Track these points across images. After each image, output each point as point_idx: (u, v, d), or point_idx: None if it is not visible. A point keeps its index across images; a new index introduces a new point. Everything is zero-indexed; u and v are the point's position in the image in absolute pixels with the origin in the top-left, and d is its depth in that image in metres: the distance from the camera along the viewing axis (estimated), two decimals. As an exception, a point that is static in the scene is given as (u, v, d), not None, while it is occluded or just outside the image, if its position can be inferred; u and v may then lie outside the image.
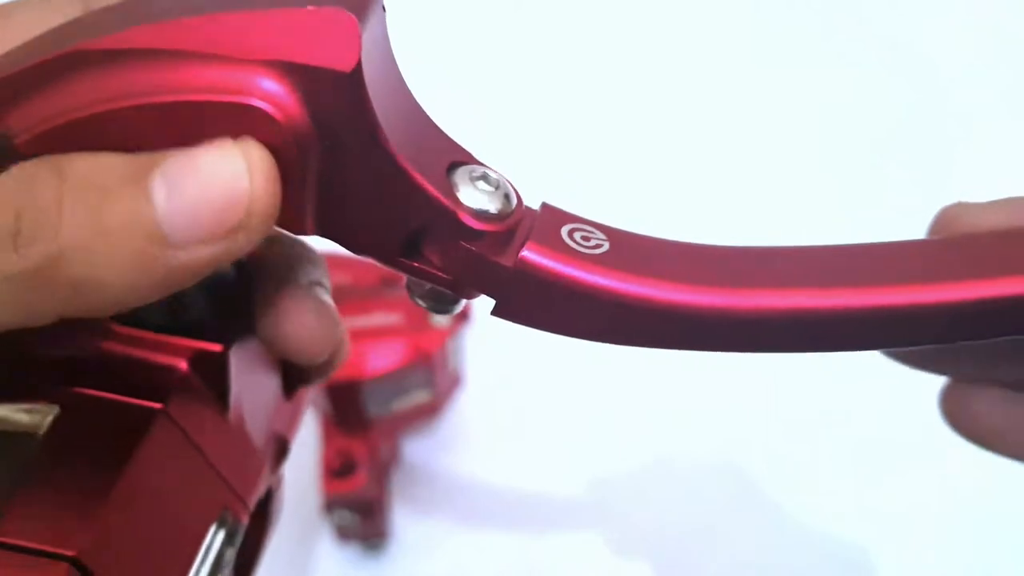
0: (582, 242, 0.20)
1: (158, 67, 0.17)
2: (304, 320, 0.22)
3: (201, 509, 0.21)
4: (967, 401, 0.26)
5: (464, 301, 0.21)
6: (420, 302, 0.21)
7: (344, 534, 0.45)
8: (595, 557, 0.45)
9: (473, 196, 0.19)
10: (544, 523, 0.46)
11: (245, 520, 0.22)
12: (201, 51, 0.17)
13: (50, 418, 0.19)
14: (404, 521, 0.46)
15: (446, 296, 0.21)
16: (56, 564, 0.17)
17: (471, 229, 0.19)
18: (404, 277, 0.21)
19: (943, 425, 0.26)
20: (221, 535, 0.21)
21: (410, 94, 0.19)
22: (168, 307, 0.21)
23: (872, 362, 0.26)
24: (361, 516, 0.43)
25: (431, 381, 0.44)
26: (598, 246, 0.20)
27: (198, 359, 0.21)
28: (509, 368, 0.49)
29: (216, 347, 0.21)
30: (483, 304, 0.20)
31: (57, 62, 0.17)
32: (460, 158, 0.20)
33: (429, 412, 0.46)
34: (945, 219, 0.24)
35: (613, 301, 0.19)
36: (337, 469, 0.42)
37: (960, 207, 0.24)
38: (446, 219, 0.19)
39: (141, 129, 0.17)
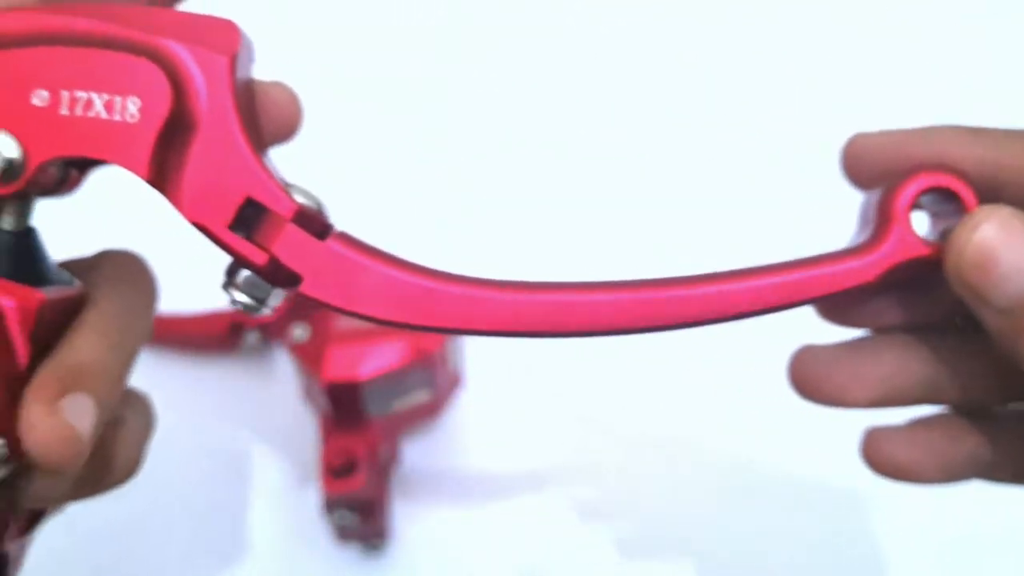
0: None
1: (91, 23, 0.23)
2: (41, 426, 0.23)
3: None
4: (880, 445, 0.29)
5: (275, 294, 0.24)
6: (235, 293, 0.24)
7: (344, 534, 0.45)
8: (595, 557, 0.45)
9: (300, 193, 0.24)
10: (544, 523, 0.46)
11: None
12: (121, 23, 0.23)
13: None
14: (404, 521, 0.46)
15: (260, 285, 0.24)
16: None
17: (299, 211, 0.23)
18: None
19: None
20: (2, 449, 0.23)
21: (258, 121, 0.25)
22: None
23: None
24: (361, 516, 0.43)
25: (431, 381, 0.44)
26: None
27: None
28: (509, 368, 0.49)
29: (39, 295, 0.23)
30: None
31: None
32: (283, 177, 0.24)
33: (429, 412, 0.46)
34: (850, 151, 0.28)
35: (403, 284, 0.24)
36: (337, 469, 0.42)
37: (859, 137, 0.28)
38: (277, 198, 0.23)
39: (49, 64, 0.23)
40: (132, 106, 0.23)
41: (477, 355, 0.48)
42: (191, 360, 0.51)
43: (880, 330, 0.29)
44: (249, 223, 0.23)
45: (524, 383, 0.49)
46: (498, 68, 0.61)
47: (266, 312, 0.24)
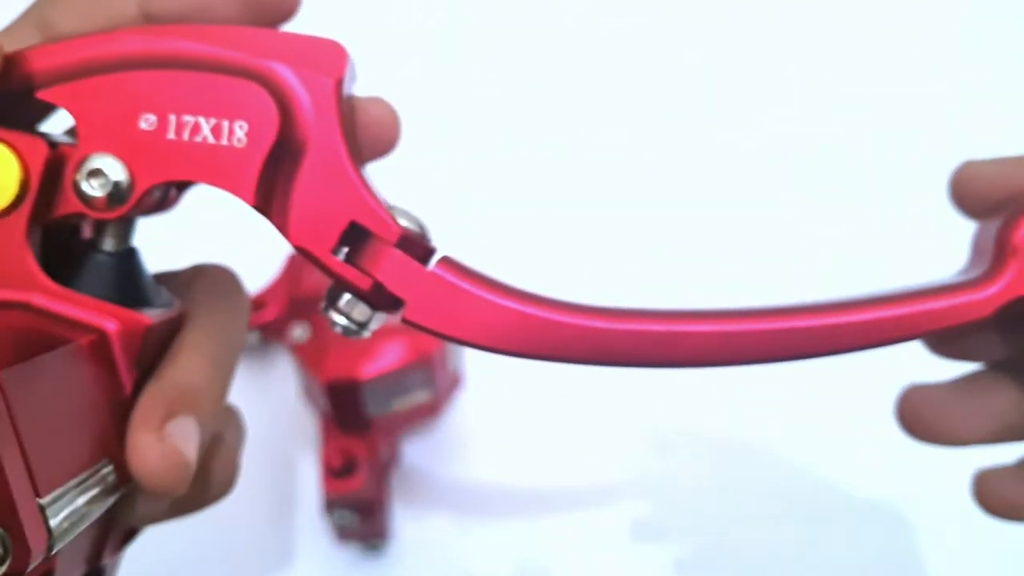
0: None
1: (193, 46, 0.23)
2: (149, 455, 0.22)
3: (95, 436, 0.22)
4: (992, 485, 0.28)
5: (376, 318, 0.24)
6: (335, 316, 0.24)
7: (344, 534, 0.45)
8: (595, 557, 0.45)
9: (403, 216, 0.23)
10: (544, 523, 0.46)
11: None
12: (227, 45, 0.23)
13: None
14: (404, 521, 0.46)
15: (361, 309, 0.23)
16: None
17: (403, 236, 0.23)
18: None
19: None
20: (111, 476, 0.22)
21: (358, 138, 0.24)
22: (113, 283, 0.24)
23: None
24: (361, 516, 0.43)
25: (431, 381, 0.44)
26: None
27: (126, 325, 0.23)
28: (509, 368, 0.49)
29: (145, 319, 0.23)
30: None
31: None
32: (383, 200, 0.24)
33: (429, 412, 0.46)
34: (959, 180, 0.27)
35: (509, 312, 0.23)
36: (337, 469, 0.42)
37: (969, 165, 0.27)
38: (382, 223, 0.23)
39: (156, 88, 0.23)
40: (239, 130, 0.23)
41: (477, 355, 0.48)
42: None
43: (992, 364, 0.28)
44: (352, 246, 0.23)
45: (524, 383, 0.49)
46: (498, 68, 0.61)
47: (366, 335, 0.24)
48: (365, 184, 0.23)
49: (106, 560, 0.24)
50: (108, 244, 0.24)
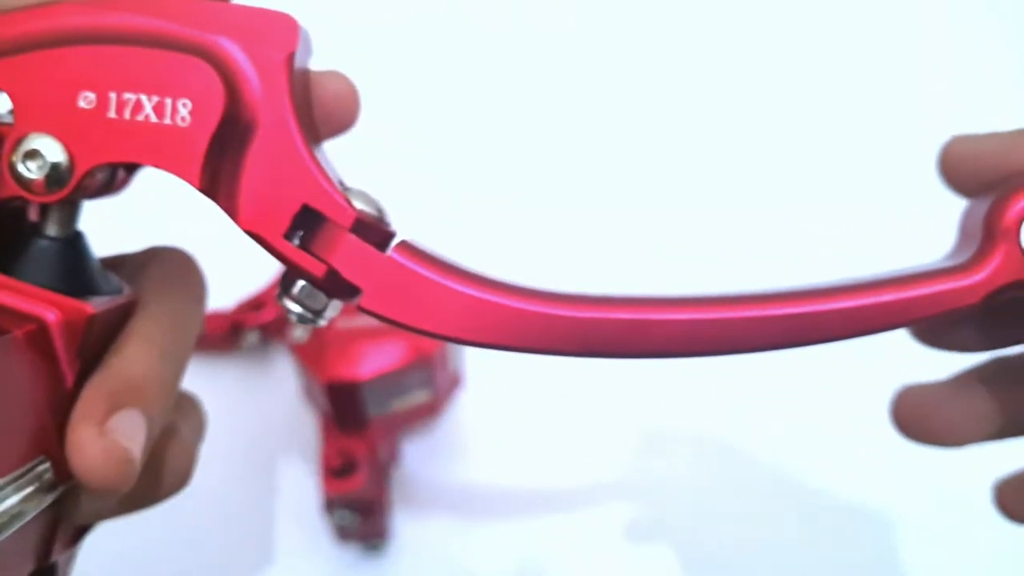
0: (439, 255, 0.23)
1: (135, 21, 0.22)
2: (88, 450, 0.21)
3: (32, 431, 0.21)
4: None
5: (332, 306, 0.23)
6: (289, 304, 0.23)
7: (344, 534, 0.45)
8: (595, 556, 0.45)
9: (359, 199, 0.22)
10: (544, 523, 0.46)
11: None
12: (170, 19, 0.22)
13: None
14: (404, 521, 0.46)
15: (316, 296, 0.22)
16: None
17: (359, 219, 0.22)
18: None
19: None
20: (47, 473, 0.21)
21: (313, 116, 0.23)
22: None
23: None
24: (361, 516, 0.43)
25: (431, 381, 0.44)
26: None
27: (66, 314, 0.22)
28: (509, 368, 0.49)
29: (87, 308, 0.22)
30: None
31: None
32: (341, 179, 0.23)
33: (429, 412, 0.46)
34: (948, 156, 0.25)
35: (468, 299, 0.22)
36: (337, 469, 0.42)
37: (958, 140, 0.25)
38: (335, 206, 0.22)
39: (95, 64, 0.21)
40: (183, 109, 0.22)
41: (477, 355, 0.48)
42: (191, 360, 0.51)
43: (991, 361, 0.27)
44: (305, 231, 0.22)
45: (524, 383, 0.49)
46: (490, 56, 0.61)
47: (322, 323, 0.23)
48: (318, 165, 0.22)
49: (56, 556, 0.23)
50: (51, 229, 0.23)
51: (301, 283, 0.22)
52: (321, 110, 0.23)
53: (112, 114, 0.22)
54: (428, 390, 0.45)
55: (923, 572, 0.44)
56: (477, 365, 0.49)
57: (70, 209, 0.23)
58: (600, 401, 0.49)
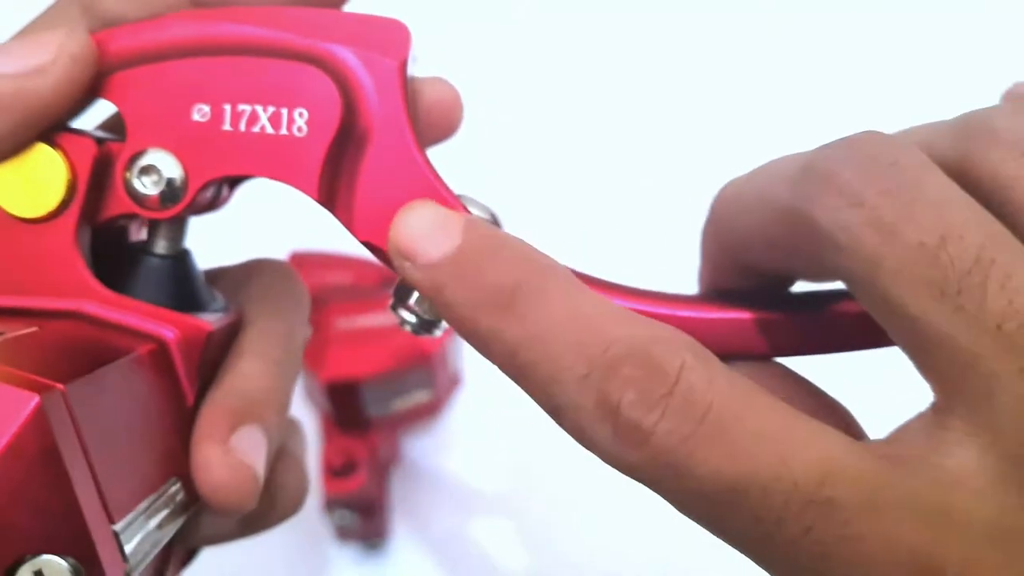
0: None
1: (255, 30, 0.21)
2: (216, 470, 0.21)
3: (161, 453, 0.21)
4: None
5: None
6: (404, 315, 0.22)
7: (344, 534, 0.45)
8: (595, 556, 0.45)
9: (473, 205, 0.21)
10: (544, 523, 0.46)
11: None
12: (283, 28, 0.21)
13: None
14: (404, 521, 0.46)
15: (431, 307, 0.21)
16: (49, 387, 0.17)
17: None
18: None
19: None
20: (179, 494, 0.21)
21: (420, 123, 0.22)
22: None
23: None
24: (361, 516, 0.43)
25: (431, 381, 0.44)
26: None
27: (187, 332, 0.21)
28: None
29: (206, 325, 0.22)
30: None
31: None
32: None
33: (429, 412, 0.47)
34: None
35: None
36: (337, 469, 0.42)
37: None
38: (453, 208, 0.20)
39: (209, 76, 0.21)
40: (299, 119, 0.21)
41: (476, 355, 0.48)
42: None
43: None
44: None
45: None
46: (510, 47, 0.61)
47: (437, 334, 0.22)
48: (434, 172, 0.21)
49: None
50: (161, 247, 0.23)
51: (417, 293, 0.22)
52: (425, 117, 0.23)
53: (227, 127, 0.21)
54: (428, 390, 0.45)
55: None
56: (477, 365, 0.49)
57: (179, 226, 0.23)
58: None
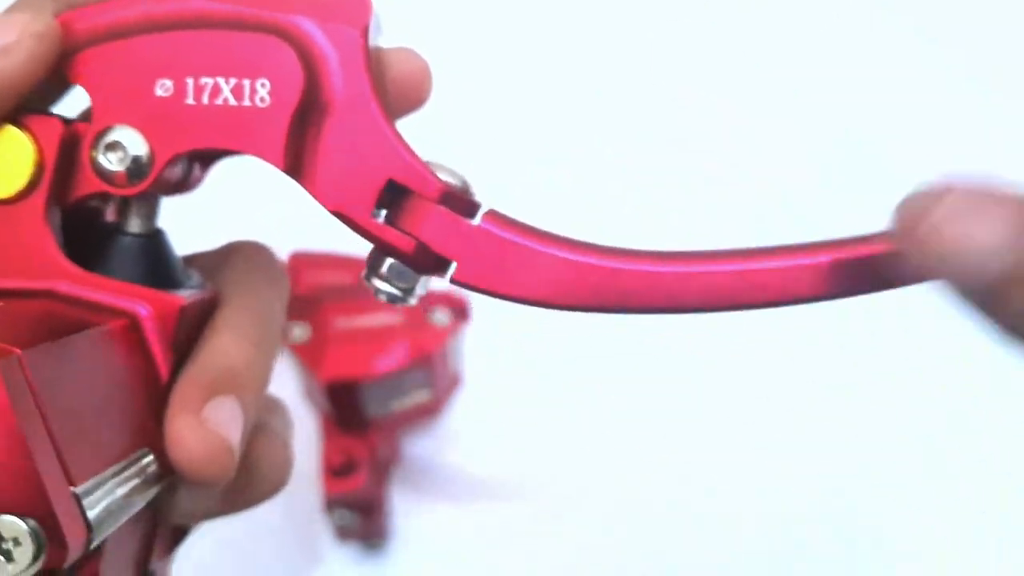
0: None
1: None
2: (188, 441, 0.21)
3: (133, 425, 0.21)
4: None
5: (421, 282, 0.22)
6: (378, 284, 0.22)
7: (344, 534, 0.45)
8: (595, 556, 0.45)
9: (442, 171, 0.22)
10: (544, 523, 0.46)
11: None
12: (249, 3, 0.21)
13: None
14: (404, 520, 0.46)
15: (406, 273, 0.22)
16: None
17: (446, 191, 0.21)
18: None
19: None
20: (151, 466, 0.21)
21: (387, 93, 0.23)
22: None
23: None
24: (361, 516, 0.43)
25: (431, 381, 0.44)
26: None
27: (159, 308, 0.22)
28: (508, 368, 0.49)
29: (178, 300, 0.22)
30: (478, 305, 0.20)
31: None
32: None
33: (429, 412, 0.47)
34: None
35: (568, 264, 0.21)
36: (337, 469, 0.42)
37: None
38: (422, 179, 0.21)
39: (170, 51, 0.21)
40: (262, 89, 0.21)
41: (476, 355, 0.48)
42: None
43: None
44: (392, 207, 0.21)
45: (524, 382, 0.49)
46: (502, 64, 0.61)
47: (412, 302, 0.22)
48: (400, 138, 0.21)
49: (155, 563, 0.23)
50: (134, 225, 0.23)
51: (389, 261, 0.22)
52: (393, 88, 0.23)
53: (190, 100, 0.21)
54: (428, 390, 0.45)
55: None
56: (477, 365, 0.49)
57: (151, 204, 0.23)
58: (600, 401, 0.49)
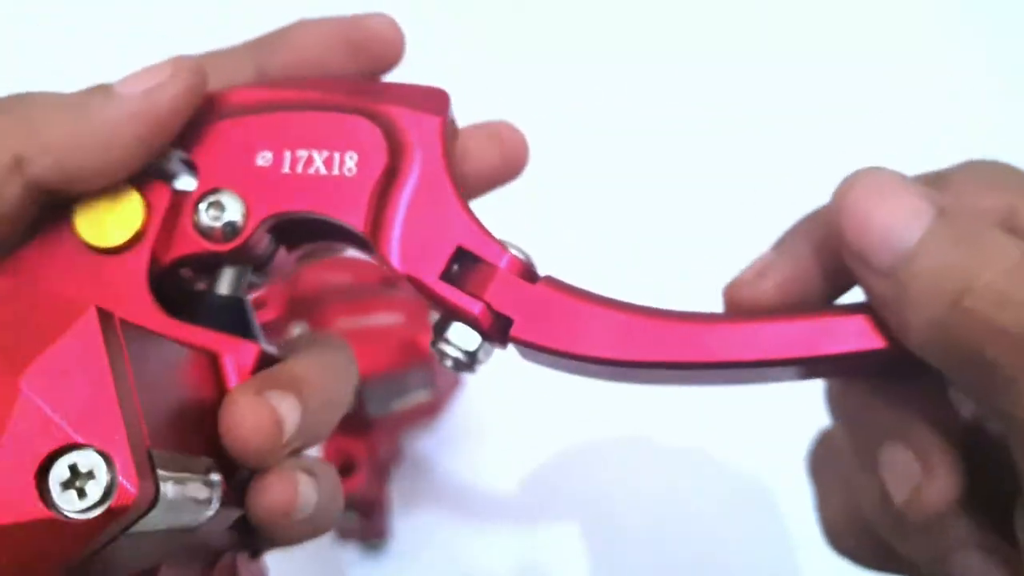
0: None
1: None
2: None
3: (207, 440, 0.21)
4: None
5: (485, 347, 0.24)
6: (445, 348, 0.24)
7: (344, 534, 0.45)
8: (595, 556, 0.45)
9: (507, 245, 0.23)
10: (544, 522, 0.46)
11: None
12: (342, 90, 0.25)
13: None
14: (404, 521, 0.46)
15: (470, 338, 0.23)
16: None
17: (509, 258, 0.23)
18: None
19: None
20: (217, 487, 0.21)
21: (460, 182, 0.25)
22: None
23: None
24: (361, 516, 0.43)
25: (431, 381, 0.44)
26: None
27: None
28: (509, 368, 0.49)
29: (257, 345, 0.23)
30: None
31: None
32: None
33: (429, 412, 0.46)
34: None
35: (621, 320, 0.23)
36: (337, 469, 0.42)
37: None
38: (488, 246, 0.23)
39: (273, 127, 0.24)
40: (349, 160, 0.24)
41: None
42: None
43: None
44: (460, 273, 0.23)
45: (524, 383, 0.49)
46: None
47: (476, 371, 0.24)
48: (470, 212, 0.23)
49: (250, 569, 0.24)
50: (222, 287, 0.25)
51: (455, 325, 0.23)
52: (502, 158, 0.26)
53: (286, 170, 0.24)
54: (428, 390, 0.45)
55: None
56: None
57: (239, 272, 0.25)
58: (599, 400, 0.49)
